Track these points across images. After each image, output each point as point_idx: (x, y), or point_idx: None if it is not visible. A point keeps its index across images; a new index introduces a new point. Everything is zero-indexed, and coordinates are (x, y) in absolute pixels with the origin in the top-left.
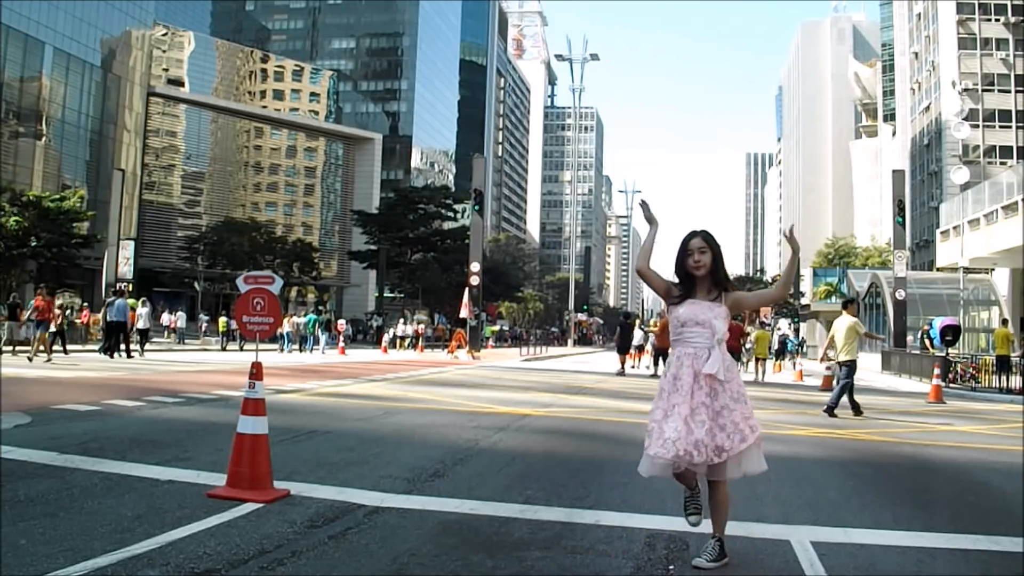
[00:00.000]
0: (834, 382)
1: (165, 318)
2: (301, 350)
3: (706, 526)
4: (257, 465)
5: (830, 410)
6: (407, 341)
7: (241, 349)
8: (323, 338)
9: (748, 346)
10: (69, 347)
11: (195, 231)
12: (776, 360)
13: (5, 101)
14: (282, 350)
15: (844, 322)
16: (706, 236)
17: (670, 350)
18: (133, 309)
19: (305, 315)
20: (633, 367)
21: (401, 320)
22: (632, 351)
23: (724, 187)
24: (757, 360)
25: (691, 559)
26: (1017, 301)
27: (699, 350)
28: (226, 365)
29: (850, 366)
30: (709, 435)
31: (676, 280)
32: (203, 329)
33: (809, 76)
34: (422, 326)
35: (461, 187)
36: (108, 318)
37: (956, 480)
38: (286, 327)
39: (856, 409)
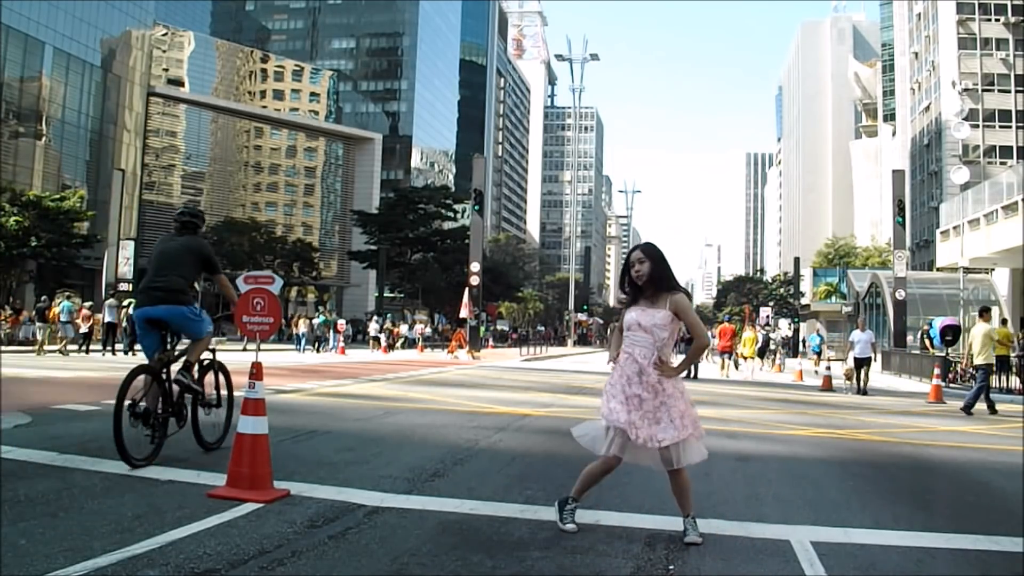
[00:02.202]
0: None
1: None
2: (317, 350)
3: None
4: (257, 465)
5: (967, 408)
6: (401, 341)
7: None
8: (332, 338)
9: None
10: (72, 347)
11: None
12: (759, 358)
13: (5, 101)
14: (299, 350)
15: (980, 328)
16: (644, 248)
17: (620, 348)
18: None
19: (319, 316)
20: None
21: (375, 318)
22: None
23: (724, 187)
24: (745, 359)
25: (682, 545)
26: (1017, 301)
27: (644, 351)
28: (226, 365)
29: (986, 369)
30: (644, 422)
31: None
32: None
33: (809, 76)
34: (421, 326)
35: (461, 187)
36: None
37: (956, 480)
38: (302, 328)
39: (991, 408)
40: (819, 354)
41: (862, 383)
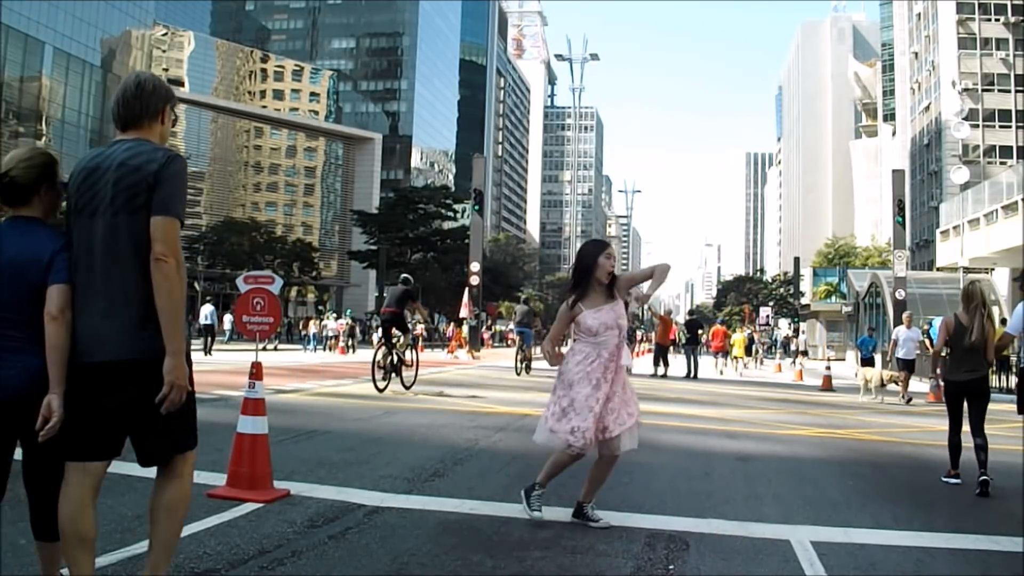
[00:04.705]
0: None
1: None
2: (326, 350)
3: (706, 526)
4: (257, 465)
5: None
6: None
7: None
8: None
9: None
10: None
11: (195, 231)
12: (746, 356)
13: (5, 101)
14: (306, 350)
15: None
16: (610, 246)
17: (575, 345)
18: None
19: (330, 318)
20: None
21: (331, 315)
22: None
23: (724, 187)
24: (736, 359)
25: (685, 557)
26: (1017, 301)
27: (611, 348)
28: (226, 365)
29: None
30: (603, 419)
31: (572, 284)
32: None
33: (809, 76)
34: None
35: (461, 187)
36: (202, 322)
37: None
38: (311, 328)
39: None
40: (868, 361)
41: (906, 389)
